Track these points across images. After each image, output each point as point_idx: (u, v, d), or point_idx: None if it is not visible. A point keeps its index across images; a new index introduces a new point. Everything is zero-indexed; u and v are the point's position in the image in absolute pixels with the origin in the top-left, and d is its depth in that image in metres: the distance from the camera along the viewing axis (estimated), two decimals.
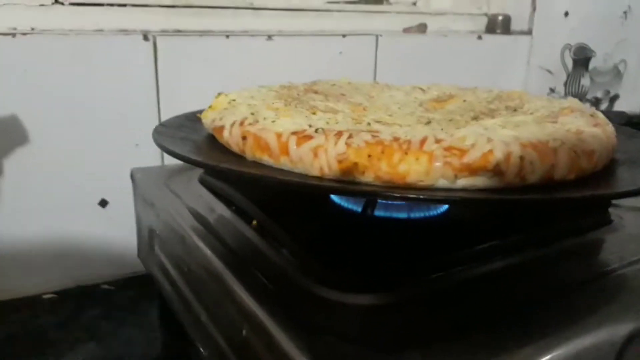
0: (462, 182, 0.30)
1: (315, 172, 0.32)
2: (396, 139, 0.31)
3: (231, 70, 0.60)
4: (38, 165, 0.54)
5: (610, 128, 0.39)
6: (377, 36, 0.68)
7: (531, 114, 0.43)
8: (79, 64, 0.54)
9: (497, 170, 0.30)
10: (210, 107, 0.43)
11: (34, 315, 0.54)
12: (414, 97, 0.51)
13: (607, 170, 0.36)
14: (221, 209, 0.43)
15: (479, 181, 0.30)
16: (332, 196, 0.42)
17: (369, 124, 0.37)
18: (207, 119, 0.42)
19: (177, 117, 0.46)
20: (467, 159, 0.29)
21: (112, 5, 0.60)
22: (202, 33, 0.60)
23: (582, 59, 0.87)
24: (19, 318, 0.54)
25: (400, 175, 0.30)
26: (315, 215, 0.40)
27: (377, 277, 0.33)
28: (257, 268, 0.34)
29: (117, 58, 0.55)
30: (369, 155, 0.30)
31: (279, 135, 0.34)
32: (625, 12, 0.89)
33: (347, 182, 0.31)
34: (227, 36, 0.60)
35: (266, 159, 0.35)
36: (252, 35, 0.61)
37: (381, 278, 0.33)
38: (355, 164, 0.31)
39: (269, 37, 0.62)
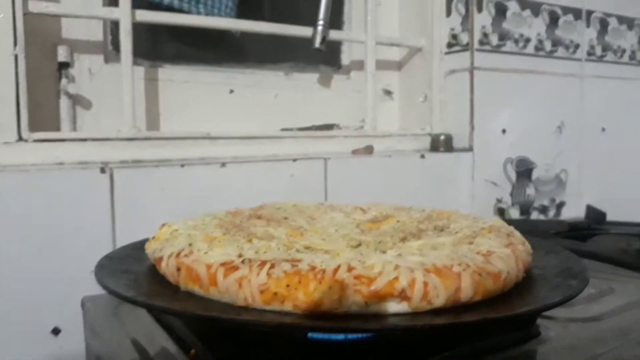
0: (373, 309, 0.32)
1: (241, 302, 0.34)
2: (312, 268, 0.33)
3: (186, 197, 0.64)
4: None
5: (523, 247, 0.42)
6: (325, 159, 0.73)
7: (456, 233, 0.47)
8: (37, 196, 0.57)
9: (403, 296, 0.32)
10: (153, 237, 0.46)
11: None
12: (352, 219, 0.54)
13: (517, 288, 0.38)
14: (163, 339, 0.44)
15: (389, 307, 0.32)
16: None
17: (297, 250, 0.39)
18: (150, 250, 0.44)
19: (125, 247, 0.49)
20: (375, 286, 0.32)
21: (73, 140, 0.64)
22: (159, 163, 0.64)
23: (524, 170, 0.93)
24: None
25: (316, 304, 0.32)
26: (254, 343, 0.41)
27: None
28: None
29: (75, 190, 0.58)
30: (287, 285, 0.33)
31: (209, 267, 0.36)
32: (559, 127, 0.97)
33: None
34: (182, 165, 0.64)
35: (197, 289, 0.37)
36: (207, 164, 0.66)
37: None
38: (275, 293, 0.33)
39: (223, 164, 0.66)
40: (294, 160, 0.71)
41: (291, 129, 0.82)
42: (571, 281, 0.38)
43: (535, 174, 0.95)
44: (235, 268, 0.35)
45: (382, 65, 0.90)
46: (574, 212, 0.98)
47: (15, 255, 0.56)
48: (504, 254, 0.39)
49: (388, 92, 0.94)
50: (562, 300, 0.33)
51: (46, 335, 0.58)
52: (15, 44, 0.59)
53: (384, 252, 0.40)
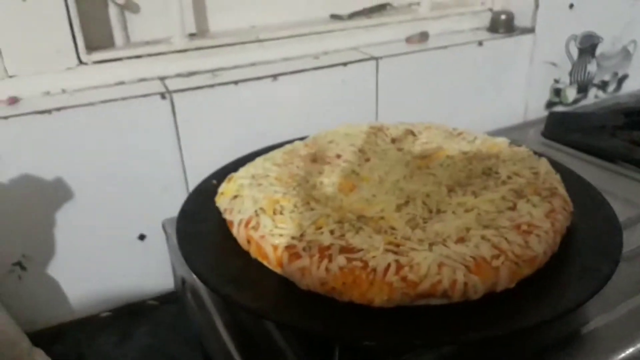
0: (417, 303, 0.38)
1: (303, 287, 0.40)
2: (365, 266, 0.38)
3: (242, 115, 0.66)
4: (84, 216, 0.63)
5: (564, 215, 0.45)
6: (377, 60, 0.72)
7: (503, 183, 0.49)
8: (107, 127, 0.61)
9: (444, 295, 0.37)
10: (221, 193, 0.51)
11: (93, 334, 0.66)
12: (402, 152, 0.57)
13: (550, 264, 0.42)
14: None
15: (431, 301, 0.38)
16: None
17: (351, 224, 0.44)
18: (220, 206, 0.50)
19: (195, 192, 0.54)
20: (420, 289, 0.37)
21: (130, 58, 0.66)
22: (213, 78, 0.66)
23: (588, 46, 0.88)
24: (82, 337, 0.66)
25: (369, 300, 0.38)
26: None
27: None
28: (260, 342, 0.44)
29: (140, 118, 0.62)
30: (343, 283, 0.38)
31: (275, 248, 0.42)
32: None
33: None
34: (236, 83, 0.65)
35: (266, 264, 0.43)
36: (259, 78, 0.66)
37: None
38: (334, 287, 0.38)
39: (274, 77, 0.67)
40: (345, 64, 0.70)
41: (341, 17, 0.79)
42: (601, 266, 0.41)
43: (599, 49, 0.89)
44: (298, 256, 0.40)
45: None
46: (636, 85, 0.94)
47: (95, 180, 0.62)
48: (543, 232, 0.42)
49: None
50: (584, 300, 0.37)
51: (134, 240, 0.67)
52: None
53: (430, 212, 0.45)
